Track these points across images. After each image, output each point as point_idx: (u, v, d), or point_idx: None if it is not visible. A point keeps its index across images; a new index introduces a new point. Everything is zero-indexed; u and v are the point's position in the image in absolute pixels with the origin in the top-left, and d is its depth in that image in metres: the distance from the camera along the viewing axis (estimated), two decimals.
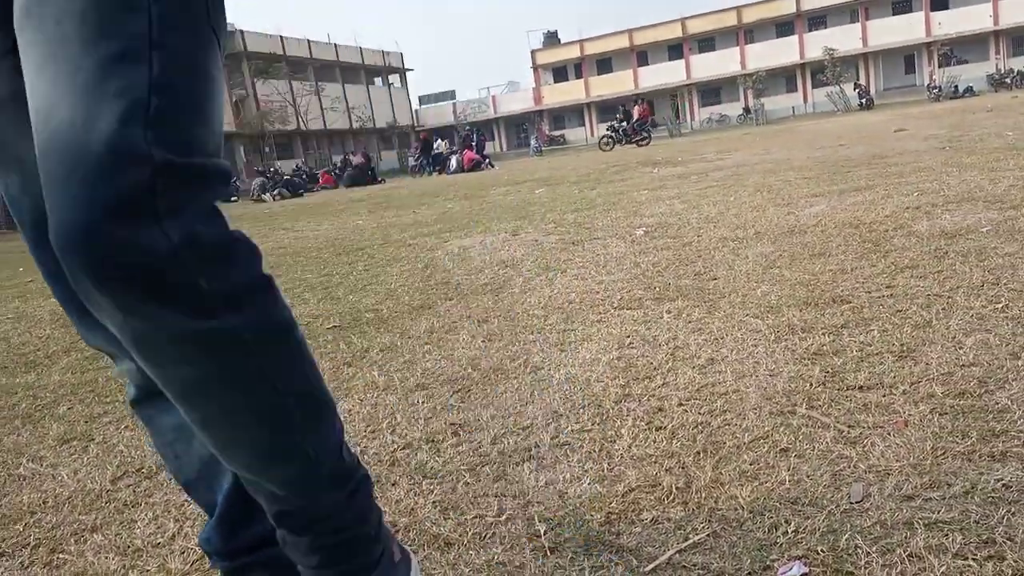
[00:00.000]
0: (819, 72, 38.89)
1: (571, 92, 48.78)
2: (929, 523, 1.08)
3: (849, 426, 1.44)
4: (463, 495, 1.37)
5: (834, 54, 36.15)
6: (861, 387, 1.61)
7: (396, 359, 2.33)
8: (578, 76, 48.93)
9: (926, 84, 34.76)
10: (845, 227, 3.48)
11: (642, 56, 47.09)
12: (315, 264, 4.89)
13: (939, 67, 36.04)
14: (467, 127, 37.17)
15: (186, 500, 1.48)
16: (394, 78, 50.46)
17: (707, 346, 2.04)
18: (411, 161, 29.77)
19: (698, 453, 1.42)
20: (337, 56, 44.09)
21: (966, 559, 0.99)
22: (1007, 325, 1.87)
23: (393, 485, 1.45)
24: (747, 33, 44.14)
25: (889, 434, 1.38)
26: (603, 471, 1.39)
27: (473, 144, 24.82)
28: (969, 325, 1.90)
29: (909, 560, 1.01)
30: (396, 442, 1.66)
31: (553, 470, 1.43)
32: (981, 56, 38.54)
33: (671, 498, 1.27)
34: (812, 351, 1.88)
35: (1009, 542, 1.01)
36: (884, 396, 1.55)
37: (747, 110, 38.65)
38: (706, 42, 45.65)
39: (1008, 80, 31.86)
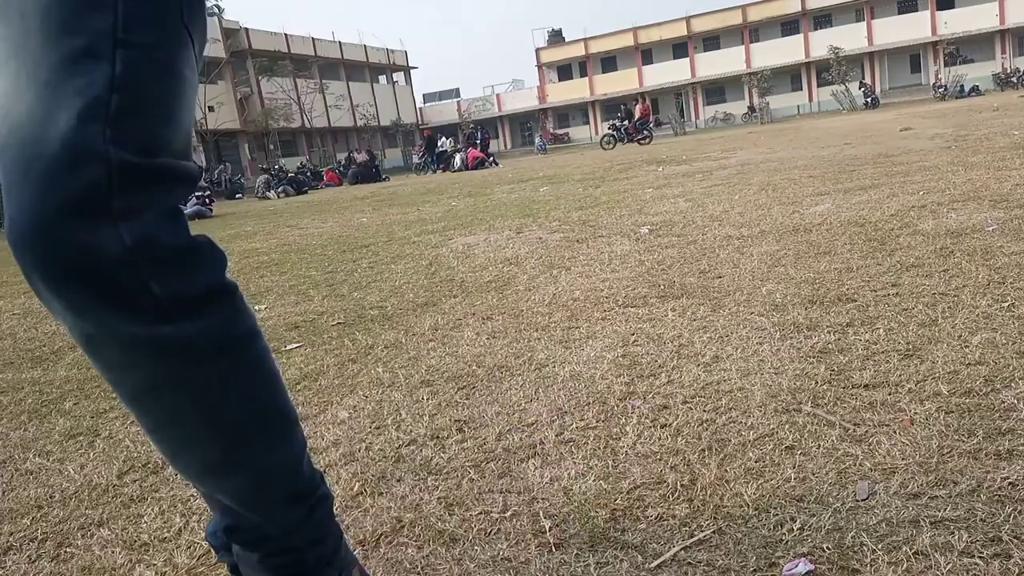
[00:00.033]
0: (824, 71, 38.75)
1: (575, 90, 48.67)
2: (935, 521, 1.08)
3: (855, 424, 1.44)
4: (468, 491, 1.38)
5: (839, 53, 35.99)
6: (867, 385, 1.61)
7: (401, 356, 2.34)
8: (582, 74, 48.82)
9: (932, 83, 34.65)
10: (850, 226, 3.48)
11: (647, 54, 46.95)
12: (319, 261, 4.90)
13: (945, 66, 35.90)
14: (471, 125, 37.10)
15: (192, 495, 1.49)
16: (398, 76, 50.47)
17: (712, 344, 2.04)
18: (415, 159, 29.80)
19: (703, 450, 1.42)
20: (341, 54, 44.08)
21: (972, 557, 0.99)
22: (1013, 324, 1.86)
23: (398, 481, 1.46)
24: (752, 32, 43.98)
25: (895, 432, 1.38)
26: (608, 468, 1.40)
27: (477, 142, 24.82)
28: (975, 324, 1.90)
29: (915, 558, 1.01)
30: (401, 438, 1.66)
31: (558, 467, 1.43)
32: (987, 55, 38.43)
33: (676, 495, 1.27)
34: (817, 349, 1.88)
35: (1015, 540, 1.01)
36: (890, 394, 1.55)
37: (752, 109, 38.55)
38: (711, 40, 45.50)
39: (1014, 79, 31.80)
